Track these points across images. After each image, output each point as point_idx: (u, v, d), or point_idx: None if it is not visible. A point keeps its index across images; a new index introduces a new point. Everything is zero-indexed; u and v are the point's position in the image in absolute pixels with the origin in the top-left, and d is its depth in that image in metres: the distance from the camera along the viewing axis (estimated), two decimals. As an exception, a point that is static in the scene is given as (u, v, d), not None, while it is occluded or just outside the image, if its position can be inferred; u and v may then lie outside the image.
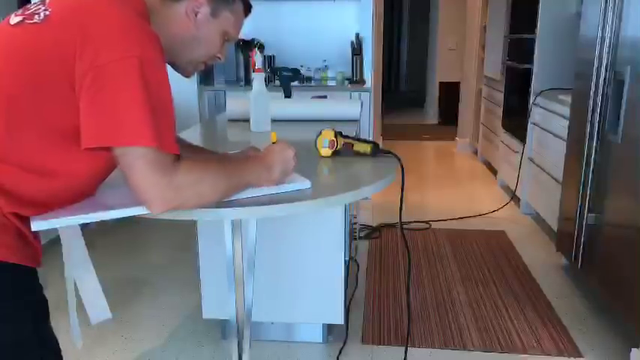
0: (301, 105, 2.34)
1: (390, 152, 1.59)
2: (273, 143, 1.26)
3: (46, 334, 1.09)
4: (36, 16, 1.00)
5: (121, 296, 2.69)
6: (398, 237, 3.41)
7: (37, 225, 1.02)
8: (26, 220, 1.01)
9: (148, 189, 0.98)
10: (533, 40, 3.70)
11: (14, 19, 1.03)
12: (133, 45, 0.96)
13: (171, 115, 1.03)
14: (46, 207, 1.05)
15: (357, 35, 4.04)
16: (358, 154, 1.59)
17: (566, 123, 2.92)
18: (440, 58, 7.56)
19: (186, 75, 1.22)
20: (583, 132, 2.57)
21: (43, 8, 1.02)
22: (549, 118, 3.39)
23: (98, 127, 0.96)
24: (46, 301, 1.09)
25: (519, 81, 4.00)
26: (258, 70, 2.03)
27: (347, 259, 2.55)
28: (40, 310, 1.08)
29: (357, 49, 4.02)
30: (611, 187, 2.35)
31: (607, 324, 2.41)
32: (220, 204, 1.14)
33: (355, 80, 4.05)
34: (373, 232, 3.50)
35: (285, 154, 1.22)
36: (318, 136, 1.59)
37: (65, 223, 1.06)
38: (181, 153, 1.04)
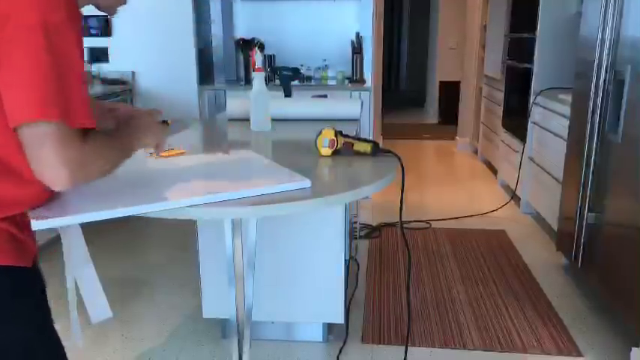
0: (301, 104, 2.34)
1: (390, 151, 1.59)
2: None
3: (51, 335, 1.09)
4: None
5: (121, 295, 2.69)
6: (398, 236, 3.41)
7: (36, 225, 1.02)
8: (15, 220, 1.01)
9: (56, 166, 0.92)
10: (533, 40, 3.70)
11: None
12: (35, 8, 0.90)
13: (80, 84, 0.96)
14: (32, 205, 1.04)
15: (357, 34, 4.04)
16: (358, 153, 1.59)
17: (567, 122, 2.92)
18: (440, 58, 7.56)
19: (111, 13, 1.15)
20: (583, 132, 2.57)
21: None
22: (549, 118, 3.39)
23: (8, 106, 0.91)
24: (46, 300, 1.09)
25: (519, 80, 4.00)
26: (259, 70, 2.03)
27: (347, 258, 2.55)
28: (42, 310, 1.08)
29: (357, 49, 4.02)
30: (611, 186, 2.35)
31: (607, 323, 2.41)
32: (221, 203, 1.14)
33: (355, 79, 4.05)
34: (373, 231, 3.50)
35: (144, 121, 1.20)
36: (318, 135, 1.59)
37: (65, 223, 1.06)
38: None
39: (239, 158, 1.50)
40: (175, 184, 1.25)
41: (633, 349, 2.06)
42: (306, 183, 1.26)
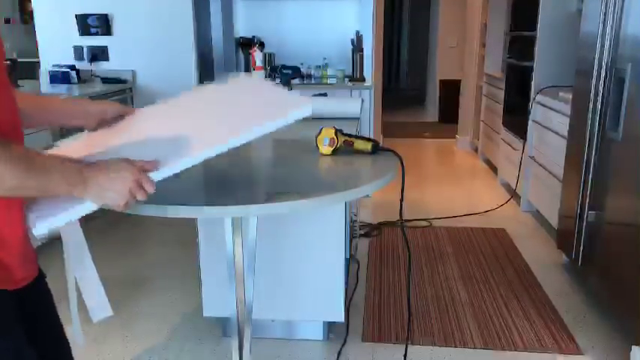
0: (301, 103, 2.33)
1: (390, 150, 1.59)
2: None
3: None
4: None
5: (121, 294, 2.69)
6: (398, 235, 3.41)
7: (38, 229, 1.00)
8: None
9: None
10: (533, 38, 3.70)
11: None
12: None
13: None
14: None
15: (358, 33, 4.04)
16: (358, 152, 1.59)
17: (567, 121, 2.92)
18: (440, 56, 7.55)
19: None
20: (584, 130, 2.57)
21: None
22: (550, 116, 3.39)
23: None
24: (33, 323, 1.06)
25: (520, 78, 4.00)
26: (259, 68, 2.03)
27: (347, 257, 2.55)
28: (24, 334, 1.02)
29: (357, 47, 4.02)
30: (611, 184, 2.35)
31: (607, 321, 2.41)
32: (221, 202, 1.14)
33: (355, 78, 4.04)
34: (373, 230, 3.50)
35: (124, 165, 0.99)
36: (318, 134, 1.59)
37: (64, 221, 1.04)
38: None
39: (239, 88, 1.37)
40: (193, 134, 1.15)
41: (633, 347, 2.07)
42: (307, 110, 1.16)
